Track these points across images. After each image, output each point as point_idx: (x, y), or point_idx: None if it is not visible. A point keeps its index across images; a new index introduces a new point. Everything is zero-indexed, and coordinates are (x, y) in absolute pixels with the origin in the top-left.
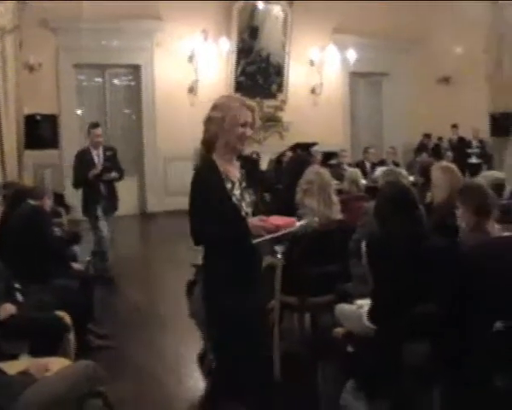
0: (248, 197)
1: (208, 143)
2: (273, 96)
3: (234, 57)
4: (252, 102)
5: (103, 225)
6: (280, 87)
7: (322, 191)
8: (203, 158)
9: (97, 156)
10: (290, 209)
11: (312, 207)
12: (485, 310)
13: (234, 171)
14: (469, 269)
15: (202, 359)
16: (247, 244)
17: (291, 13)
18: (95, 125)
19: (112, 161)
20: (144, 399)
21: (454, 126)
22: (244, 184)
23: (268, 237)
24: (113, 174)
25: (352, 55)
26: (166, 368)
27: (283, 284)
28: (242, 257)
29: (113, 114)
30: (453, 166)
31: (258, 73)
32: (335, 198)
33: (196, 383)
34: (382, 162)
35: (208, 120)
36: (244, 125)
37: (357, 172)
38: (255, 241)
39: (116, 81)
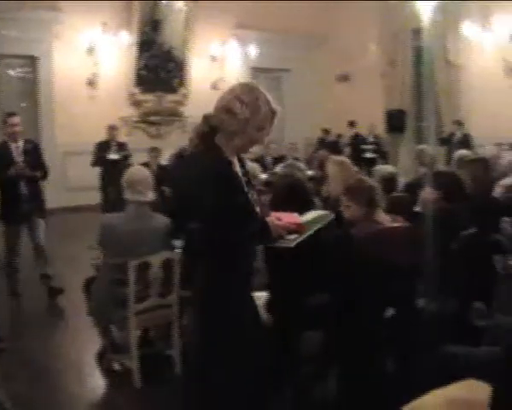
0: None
1: (211, 134)
2: (174, 90)
3: (134, 50)
4: (277, 107)
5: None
6: (181, 82)
7: None
8: (213, 150)
9: (16, 149)
10: (189, 203)
11: None
12: (377, 297)
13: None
14: (363, 257)
15: (101, 357)
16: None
17: (193, 7)
18: (10, 114)
19: (33, 156)
20: (43, 400)
21: (351, 123)
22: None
23: (301, 238)
24: (37, 173)
25: (253, 50)
26: (66, 367)
27: (182, 278)
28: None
29: (7, 106)
30: (347, 160)
31: (160, 67)
32: None
33: (97, 381)
34: (283, 157)
35: (227, 112)
36: (263, 129)
37: (255, 166)
38: (286, 242)
39: (11, 72)
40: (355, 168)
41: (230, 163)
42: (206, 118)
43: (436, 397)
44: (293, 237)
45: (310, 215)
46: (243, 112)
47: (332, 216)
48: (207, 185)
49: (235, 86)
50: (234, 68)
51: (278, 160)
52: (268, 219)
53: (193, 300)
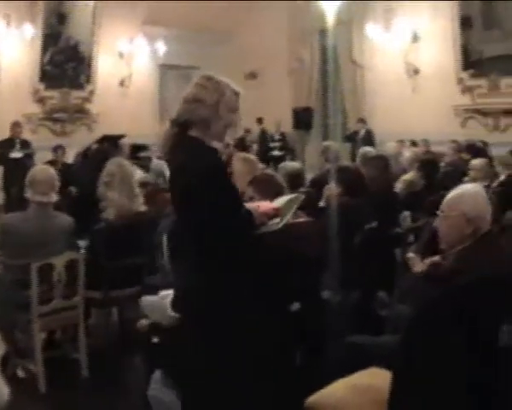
0: None
1: (184, 127)
2: (81, 86)
3: (39, 44)
4: (238, 88)
5: None
6: (88, 78)
7: (124, 183)
8: (194, 141)
9: None
10: (94, 202)
11: (114, 199)
12: (282, 291)
13: None
14: (268, 252)
15: (5, 362)
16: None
17: (100, 2)
18: None
19: None
20: None
21: (259, 120)
22: None
23: (284, 220)
24: None
25: (161, 47)
26: None
27: (88, 278)
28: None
29: None
30: (252, 156)
31: (67, 63)
32: (138, 190)
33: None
34: None
35: (196, 101)
36: (235, 110)
37: (163, 164)
38: (272, 227)
39: None
40: (262, 165)
41: (217, 151)
42: (173, 120)
43: (341, 385)
44: (276, 221)
45: (281, 200)
46: (211, 96)
47: (302, 197)
48: (204, 175)
49: (194, 79)
50: (142, 65)
51: None
52: (249, 206)
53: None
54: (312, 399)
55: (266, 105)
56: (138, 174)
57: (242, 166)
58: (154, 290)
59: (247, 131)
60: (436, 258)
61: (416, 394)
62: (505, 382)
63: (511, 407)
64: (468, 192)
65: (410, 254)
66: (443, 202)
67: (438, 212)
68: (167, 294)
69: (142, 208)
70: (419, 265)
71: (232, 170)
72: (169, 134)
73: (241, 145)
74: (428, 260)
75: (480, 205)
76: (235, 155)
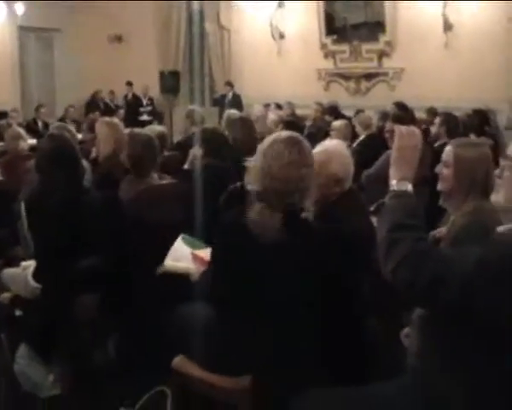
0: None
1: None
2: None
3: None
4: None
5: None
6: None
7: None
8: None
9: None
10: None
11: None
12: (151, 256)
13: None
14: (130, 219)
15: None
16: None
17: None
18: None
19: None
20: None
21: (128, 84)
22: None
23: None
24: None
25: (20, 8)
26: None
27: None
28: None
29: None
30: (116, 120)
31: None
32: None
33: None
34: (62, 119)
35: None
36: None
37: (19, 131)
38: None
39: None
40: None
41: None
42: None
43: None
44: None
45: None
46: None
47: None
48: None
49: None
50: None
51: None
52: None
53: None
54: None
55: (134, 69)
56: None
57: (106, 131)
58: (17, 262)
59: (112, 93)
60: None
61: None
62: None
63: None
64: (336, 153)
65: None
66: None
67: None
68: (29, 264)
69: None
70: None
71: (96, 134)
72: None
73: (107, 110)
74: None
75: (347, 165)
76: (99, 121)
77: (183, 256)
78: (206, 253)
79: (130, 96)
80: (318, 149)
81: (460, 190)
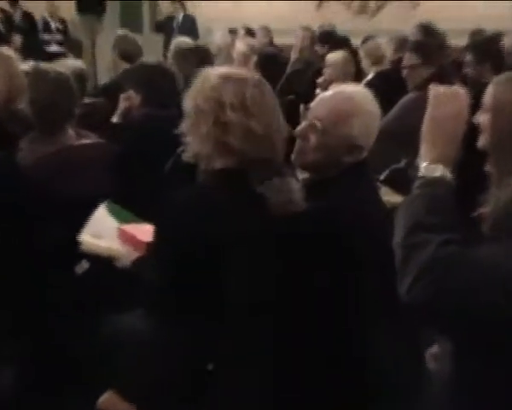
0: None
1: None
2: None
3: None
4: None
5: None
6: None
7: None
8: None
9: None
10: None
11: None
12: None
13: None
14: (33, 194)
15: None
16: None
17: None
18: None
19: None
20: None
21: None
22: None
23: None
24: None
25: None
26: None
27: None
28: None
29: None
30: (9, 51)
31: None
32: None
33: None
34: None
35: None
36: None
37: None
38: None
39: None
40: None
41: None
42: None
43: None
44: None
45: None
46: None
47: None
48: None
49: None
50: None
51: None
52: None
53: None
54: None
55: None
56: None
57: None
58: None
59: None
60: None
61: None
62: None
63: None
64: (363, 110)
65: None
66: (320, 106)
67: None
68: None
69: None
70: None
71: None
72: None
73: None
74: None
75: (373, 133)
76: None
77: (106, 231)
78: (138, 229)
79: (17, 15)
80: (329, 92)
81: (503, 148)
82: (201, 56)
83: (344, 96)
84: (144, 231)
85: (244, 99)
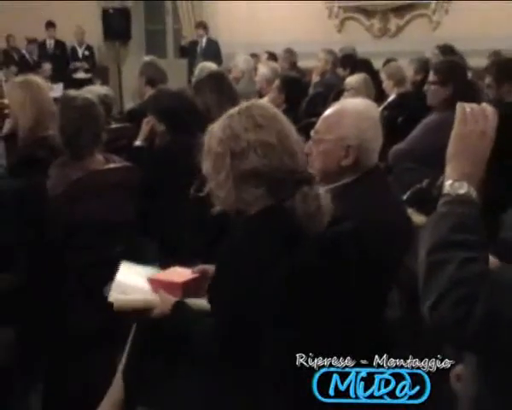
0: None
1: None
2: None
3: None
4: None
5: None
6: None
7: None
8: None
9: None
10: None
11: None
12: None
13: None
14: (62, 221)
15: None
16: None
17: None
18: None
19: None
20: None
21: (49, 25)
22: None
23: None
24: None
25: None
26: None
27: None
28: None
29: None
30: (38, 79)
31: None
32: None
33: None
34: None
35: None
36: None
37: None
38: None
39: None
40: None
41: None
42: None
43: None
44: None
45: None
46: None
47: None
48: None
49: None
50: None
51: None
52: None
53: None
54: None
55: (61, 5)
56: None
57: (20, 94)
58: None
59: (32, 41)
60: None
61: None
62: None
63: None
64: (352, 110)
65: None
66: (318, 122)
67: (311, 133)
68: None
69: None
70: None
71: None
72: None
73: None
74: None
75: (365, 129)
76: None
77: (133, 287)
78: (167, 274)
79: (51, 43)
80: (332, 108)
81: None
82: (219, 81)
83: (335, 106)
84: (176, 274)
85: (254, 120)
